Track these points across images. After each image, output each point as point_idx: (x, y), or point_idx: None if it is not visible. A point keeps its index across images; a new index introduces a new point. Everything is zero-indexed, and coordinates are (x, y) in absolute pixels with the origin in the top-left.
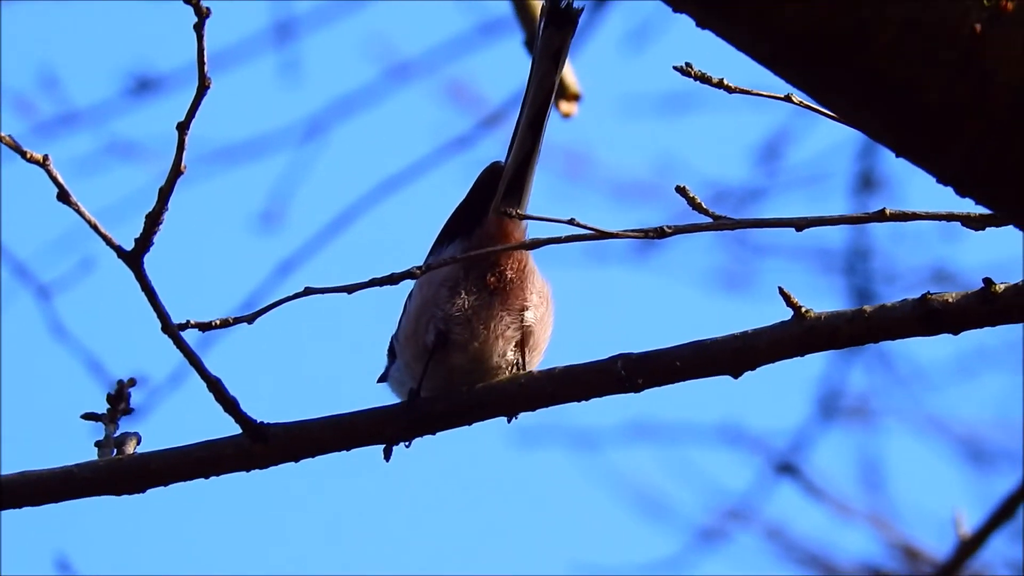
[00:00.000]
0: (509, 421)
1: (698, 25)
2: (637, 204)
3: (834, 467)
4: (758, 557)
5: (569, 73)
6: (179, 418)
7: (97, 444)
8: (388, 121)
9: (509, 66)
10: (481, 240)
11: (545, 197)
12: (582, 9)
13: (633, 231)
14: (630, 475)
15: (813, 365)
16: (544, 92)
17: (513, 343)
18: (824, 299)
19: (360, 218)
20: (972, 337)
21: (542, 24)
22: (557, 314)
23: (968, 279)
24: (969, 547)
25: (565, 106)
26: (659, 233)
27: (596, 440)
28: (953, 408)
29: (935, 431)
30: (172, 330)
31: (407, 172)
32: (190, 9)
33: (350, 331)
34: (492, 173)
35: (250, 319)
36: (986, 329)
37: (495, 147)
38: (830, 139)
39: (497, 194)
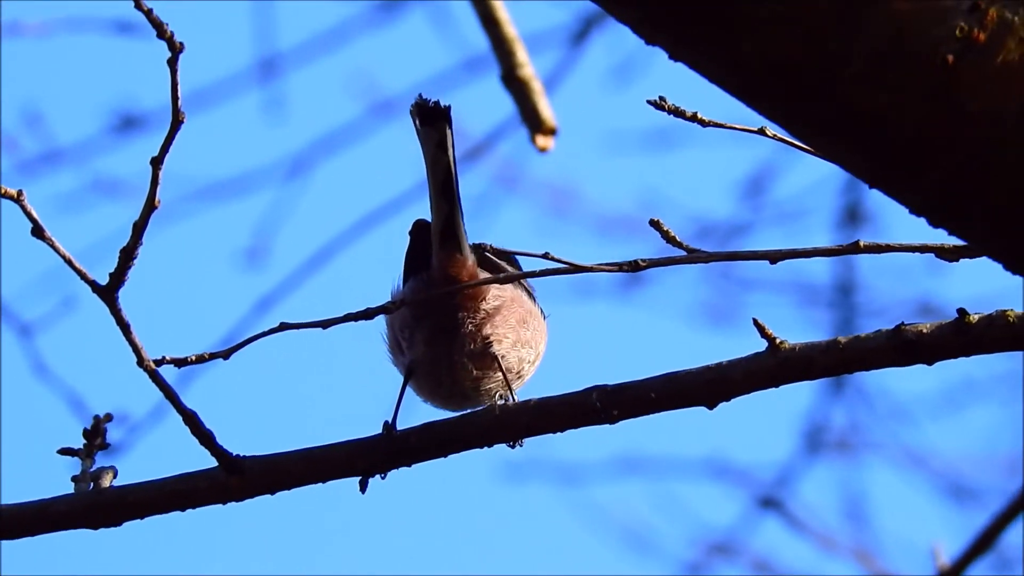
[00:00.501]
0: (512, 447)
1: (670, 57)
2: (622, 239)
3: (819, 501)
4: None
5: (545, 108)
6: (162, 453)
7: (74, 479)
8: (373, 157)
9: (492, 100)
10: (431, 286)
11: (530, 231)
12: (449, 107)
13: (607, 265)
14: (615, 509)
15: (799, 399)
16: (441, 171)
17: (491, 375)
18: (808, 333)
19: (342, 253)
20: (957, 370)
21: (416, 123)
22: (551, 349)
23: (952, 312)
24: None
25: (541, 140)
26: (633, 267)
27: (581, 474)
28: (937, 442)
29: (919, 465)
30: (147, 365)
31: (389, 207)
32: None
33: (332, 364)
34: (419, 229)
35: (226, 355)
36: (973, 362)
37: (477, 180)
38: (815, 174)
39: (434, 250)
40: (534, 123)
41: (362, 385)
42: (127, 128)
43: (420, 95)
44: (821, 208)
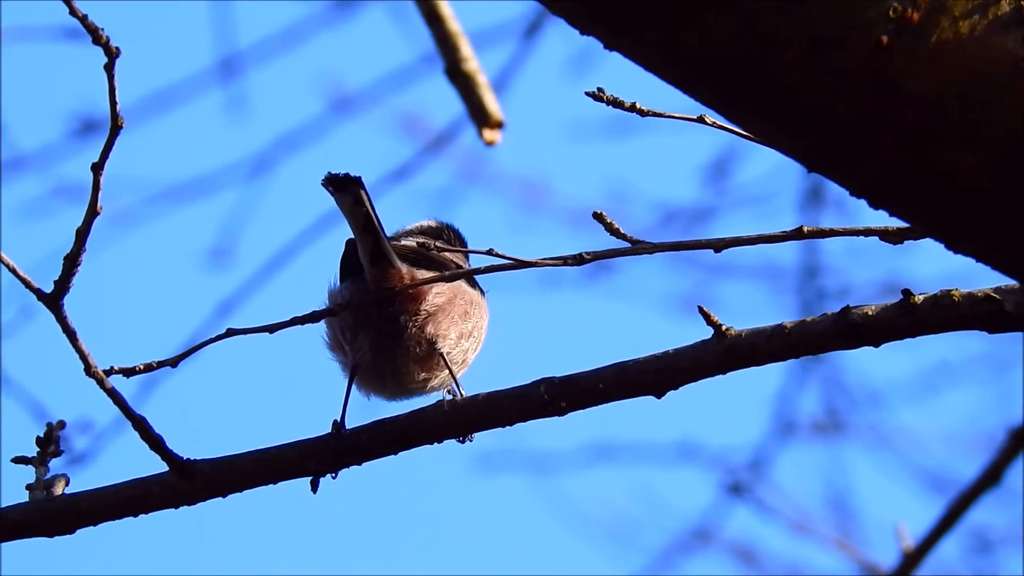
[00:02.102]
0: (462, 442)
1: (606, 47)
2: (588, 229)
3: (795, 484)
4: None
5: (491, 101)
6: (129, 461)
7: (28, 487)
8: (335, 154)
9: (453, 94)
10: (368, 291)
11: (497, 224)
12: (358, 177)
13: (552, 259)
14: (588, 498)
15: (771, 381)
16: (361, 218)
17: (436, 373)
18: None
19: (306, 250)
20: (932, 352)
21: (331, 192)
22: (509, 341)
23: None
24: (912, 560)
25: (488, 134)
26: (578, 260)
27: (552, 464)
28: (913, 424)
29: (894, 448)
30: (95, 372)
31: None
32: (134, 49)
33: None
34: (352, 247)
35: (174, 363)
36: (948, 344)
37: (439, 174)
38: (777, 157)
39: (366, 270)
40: (480, 117)
41: (315, 385)
42: (88, 132)
43: (328, 172)
44: (784, 191)
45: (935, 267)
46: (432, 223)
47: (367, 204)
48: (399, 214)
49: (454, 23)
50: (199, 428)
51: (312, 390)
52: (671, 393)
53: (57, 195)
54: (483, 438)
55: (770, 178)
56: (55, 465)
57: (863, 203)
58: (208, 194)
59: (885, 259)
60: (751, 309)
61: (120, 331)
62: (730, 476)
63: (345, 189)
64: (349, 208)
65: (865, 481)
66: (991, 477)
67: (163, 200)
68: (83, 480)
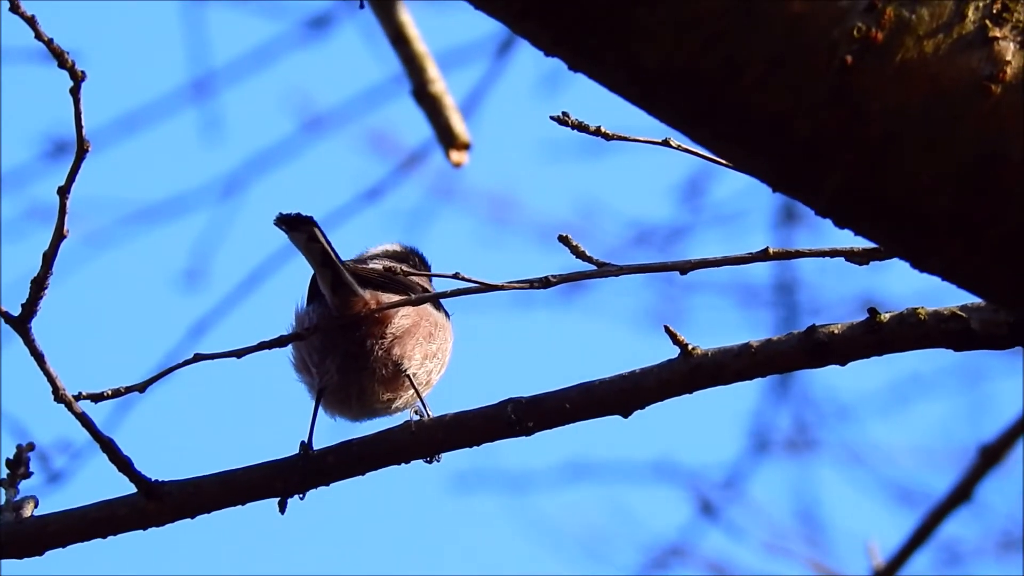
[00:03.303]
0: (429, 462)
1: (570, 68)
2: (561, 248)
3: (769, 501)
4: None
5: (458, 122)
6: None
7: None
8: (307, 173)
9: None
10: (332, 317)
11: (469, 242)
12: (310, 216)
13: (518, 282)
14: (564, 517)
15: (745, 400)
16: (317, 253)
17: (402, 394)
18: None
19: (279, 270)
20: (903, 366)
21: (283, 230)
22: (478, 362)
23: (896, 308)
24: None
25: (455, 155)
26: (544, 283)
27: (527, 483)
28: (884, 439)
29: (866, 463)
30: (63, 395)
31: (325, 221)
32: (107, 69)
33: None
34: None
35: (142, 388)
36: (919, 358)
37: (411, 193)
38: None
39: (328, 299)
40: (448, 139)
41: (283, 406)
42: (60, 154)
43: (280, 212)
44: (757, 209)
45: (910, 284)
46: (397, 247)
47: (322, 240)
48: (370, 233)
49: (420, 44)
50: (171, 450)
51: (280, 412)
52: (643, 412)
53: (29, 217)
54: (455, 458)
55: (743, 196)
56: (25, 487)
57: (842, 228)
58: (181, 215)
59: (858, 277)
60: (724, 327)
61: (93, 353)
62: (704, 494)
63: (298, 228)
64: (304, 245)
65: (837, 496)
66: (961, 494)
67: (135, 221)
68: (59, 501)
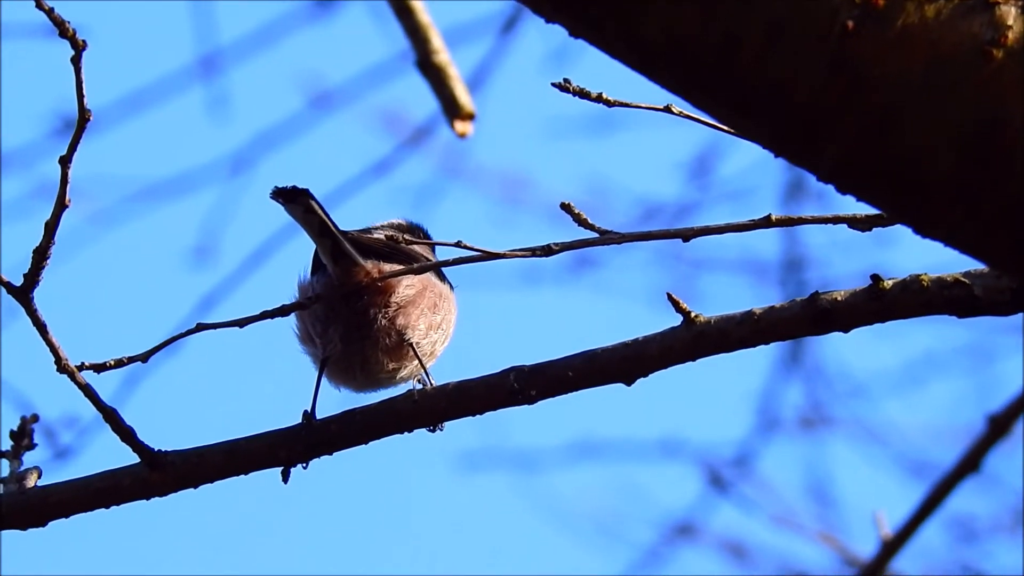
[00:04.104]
0: (432, 431)
1: (571, 35)
2: (571, 225)
3: (781, 478)
4: (707, 570)
5: (463, 93)
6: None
7: (1, 480)
8: (315, 150)
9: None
10: (335, 287)
11: (480, 221)
12: (306, 188)
13: (520, 250)
14: (573, 495)
15: (755, 376)
16: (315, 224)
17: (406, 364)
18: None
19: (287, 246)
20: (917, 344)
21: (280, 202)
22: (487, 336)
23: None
24: (891, 548)
25: (460, 126)
26: (546, 251)
27: (536, 461)
28: (898, 417)
29: (879, 441)
30: (65, 365)
31: (332, 197)
32: (115, 47)
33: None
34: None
35: (144, 358)
36: (933, 335)
37: (420, 169)
38: (760, 151)
39: (330, 269)
40: (452, 109)
41: (287, 376)
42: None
43: (275, 186)
44: (766, 185)
45: (921, 259)
46: (402, 222)
47: (319, 211)
48: (380, 211)
49: (424, 15)
50: (178, 423)
51: (284, 384)
52: (653, 388)
53: (37, 195)
54: (465, 435)
55: (751, 172)
56: (34, 462)
57: (845, 195)
58: (189, 192)
59: (868, 252)
60: (734, 304)
61: (103, 330)
62: (714, 471)
63: (295, 200)
64: (301, 216)
65: (849, 473)
66: (970, 464)
67: (144, 198)
68: (67, 476)
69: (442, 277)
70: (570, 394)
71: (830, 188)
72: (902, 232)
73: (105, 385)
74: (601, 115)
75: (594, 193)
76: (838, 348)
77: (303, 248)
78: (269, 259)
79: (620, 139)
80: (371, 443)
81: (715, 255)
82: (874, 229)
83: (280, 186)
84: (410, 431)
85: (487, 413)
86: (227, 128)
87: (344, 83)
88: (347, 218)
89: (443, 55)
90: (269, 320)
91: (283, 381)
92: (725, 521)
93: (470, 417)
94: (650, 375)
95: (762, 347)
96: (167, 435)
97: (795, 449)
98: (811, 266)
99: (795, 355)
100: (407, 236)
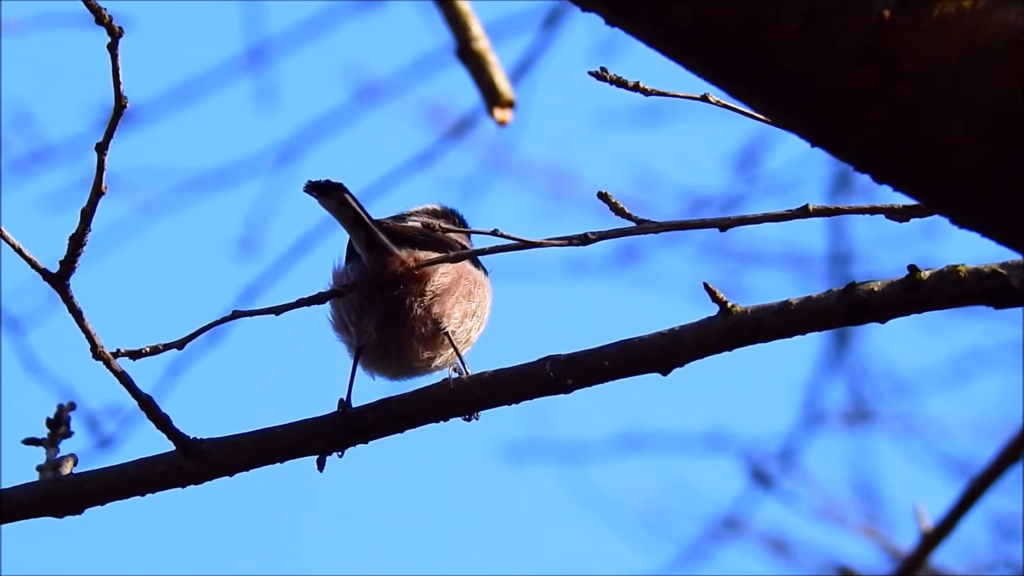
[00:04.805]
0: (468, 420)
1: (607, 23)
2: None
3: (825, 473)
4: (751, 565)
5: (502, 80)
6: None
7: (39, 468)
8: (362, 142)
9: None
10: (370, 275)
11: (525, 214)
12: (339, 183)
13: (557, 239)
14: (618, 488)
15: (800, 371)
16: (349, 215)
17: (441, 352)
18: None
19: (330, 237)
20: (963, 340)
21: (313, 196)
22: (531, 329)
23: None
24: (932, 540)
25: (499, 113)
26: (583, 240)
27: (582, 454)
28: (942, 413)
29: (924, 436)
30: (101, 352)
31: (376, 188)
32: (161, 40)
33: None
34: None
35: (180, 345)
36: (979, 331)
37: (465, 162)
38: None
39: (364, 259)
40: (491, 97)
41: (323, 365)
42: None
43: (309, 180)
44: (813, 178)
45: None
46: (436, 207)
47: (352, 203)
48: (422, 202)
49: (464, 2)
50: (222, 414)
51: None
52: (701, 381)
53: (83, 186)
54: (510, 427)
55: (797, 165)
56: (67, 447)
57: (889, 188)
58: (236, 183)
59: (914, 245)
60: (779, 298)
61: (149, 320)
62: (759, 466)
63: (328, 193)
64: (335, 209)
65: (893, 470)
66: (1010, 456)
67: (191, 189)
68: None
69: (477, 264)
70: (608, 384)
71: (880, 185)
72: (947, 225)
73: (148, 376)
74: (647, 108)
75: (640, 186)
76: (882, 343)
77: (344, 239)
78: (312, 250)
79: (666, 132)
80: (409, 432)
81: (760, 249)
82: (913, 220)
83: (313, 180)
84: (446, 420)
85: (524, 402)
86: (274, 120)
87: (389, 76)
88: (389, 209)
89: (482, 42)
90: (306, 308)
91: (324, 370)
92: (769, 516)
93: (506, 406)
94: (686, 365)
95: (807, 342)
96: (208, 425)
97: (839, 445)
98: (857, 261)
99: (840, 350)
100: (442, 223)
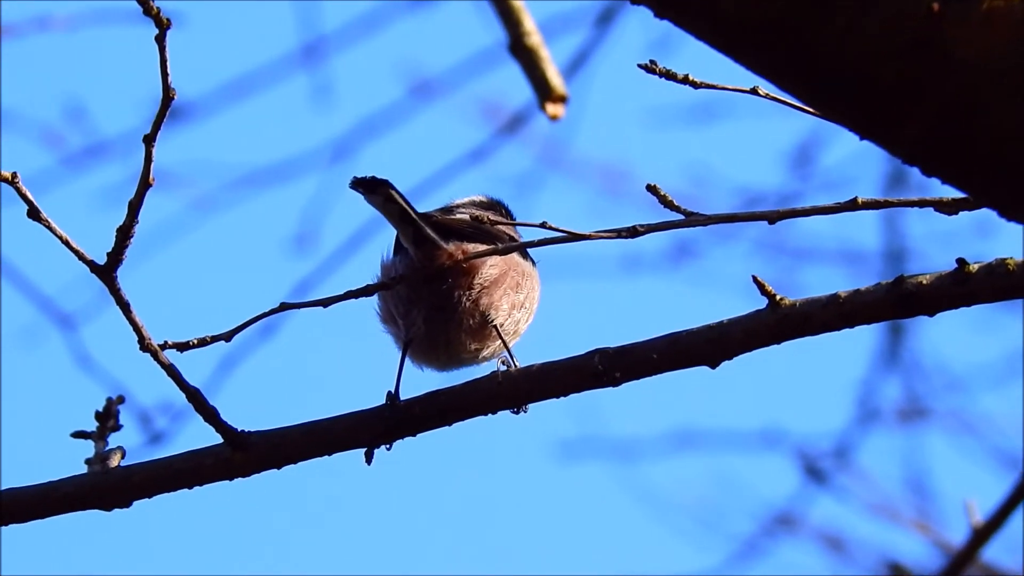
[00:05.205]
0: (516, 413)
1: (656, 15)
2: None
3: (879, 471)
4: (805, 562)
5: (554, 75)
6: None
7: (87, 461)
8: (416, 138)
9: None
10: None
11: (580, 211)
12: (385, 179)
13: (606, 232)
14: (672, 485)
15: (853, 369)
16: (396, 211)
17: (489, 344)
18: None
19: (380, 234)
20: (1019, 336)
21: (360, 192)
22: (584, 327)
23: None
24: (982, 535)
25: (551, 108)
26: (632, 232)
27: (636, 451)
28: (997, 409)
29: (979, 433)
30: (148, 344)
31: (426, 185)
32: (216, 36)
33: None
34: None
35: (227, 337)
36: None
37: (519, 159)
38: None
39: (412, 253)
40: (544, 91)
41: (370, 358)
42: (171, 118)
43: (354, 176)
44: (868, 176)
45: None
46: (483, 198)
47: (399, 199)
48: (470, 195)
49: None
50: (274, 410)
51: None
52: (754, 377)
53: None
54: (563, 424)
55: (852, 163)
56: (116, 440)
57: (938, 181)
58: (291, 179)
59: (968, 242)
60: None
61: (203, 316)
62: (813, 463)
63: (375, 191)
64: (381, 205)
65: (947, 466)
66: None
67: (246, 185)
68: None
69: (525, 255)
70: (658, 378)
71: (933, 181)
72: (1001, 223)
73: (200, 373)
74: (701, 106)
75: (694, 183)
76: (936, 340)
77: (394, 233)
78: (364, 246)
79: (720, 130)
80: (460, 428)
81: (814, 247)
82: (960, 212)
83: (360, 176)
84: (494, 412)
85: (573, 395)
86: (329, 116)
87: (443, 72)
88: (437, 203)
89: (535, 37)
90: (357, 301)
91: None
92: (823, 513)
93: (555, 399)
94: (735, 358)
95: (861, 339)
96: (260, 421)
97: (893, 441)
98: (910, 258)
99: (894, 347)
100: (490, 215)
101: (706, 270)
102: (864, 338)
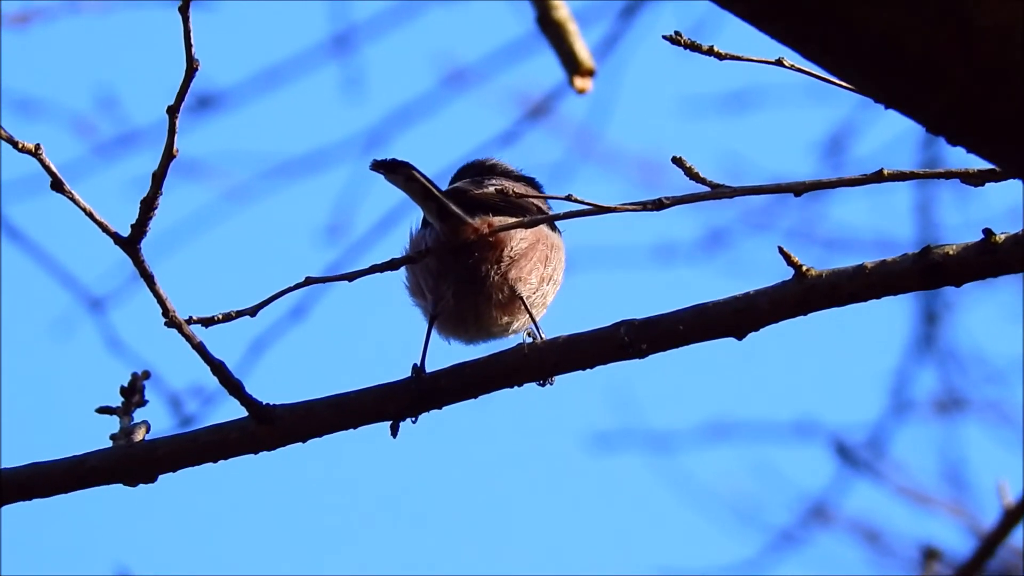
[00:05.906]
0: (543, 385)
1: None
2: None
3: (915, 462)
4: (841, 552)
5: (582, 49)
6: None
7: (112, 437)
8: (449, 128)
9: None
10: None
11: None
12: (405, 161)
13: (631, 204)
14: (708, 477)
15: (887, 359)
16: (418, 189)
17: (518, 316)
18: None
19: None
20: None
21: (381, 173)
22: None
23: None
24: (1014, 516)
25: (579, 82)
26: (657, 205)
27: (671, 442)
28: None
29: (1015, 424)
30: (173, 317)
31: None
32: (248, 26)
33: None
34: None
35: (252, 312)
36: None
37: (552, 149)
38: (894, 129)
39: (439, 228)
40: (571, 65)
41: (395, 331)
42: (202, 108)
43: (374, 159)
44: (900, 164)
45: None
46: (513, 170)
47: (420, 177)
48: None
49: None
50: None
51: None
52: (789, 368)
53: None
54: (599, 417)
55: (885, 153)
56: (142, 416)
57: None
58: (323, 169)
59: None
60: None
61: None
62: (848, 454)
63: (395, 171)
64: (403, 184)
65: (984, 457)
66: None
67: (279, 175)
68: None
69: (552, 226)
70: (691, 367)
71: (963, 165)
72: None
73: (231, 356)
74: (734, 95)
75: (727, 172)
76: (972, 331)
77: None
78: (394, 230)
79: (755, 119)
80: (497, 419)
81: (848, 237)
82: (986, 184)
83: (379, 159)
84: (520, 385)
85: (599, 367)
86: (361, 106)
87: (476, 62)
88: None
89: (563, 11)
90: (383, 276)
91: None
92: (859, 504)
93: (581, 371)
94: (762, 329)
95: (896, 329)
96: (287, 397)
97: (929, 432)
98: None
99: (929, 338)
100: (516, 188)
101: (738, 259)
102: (898, 327)
